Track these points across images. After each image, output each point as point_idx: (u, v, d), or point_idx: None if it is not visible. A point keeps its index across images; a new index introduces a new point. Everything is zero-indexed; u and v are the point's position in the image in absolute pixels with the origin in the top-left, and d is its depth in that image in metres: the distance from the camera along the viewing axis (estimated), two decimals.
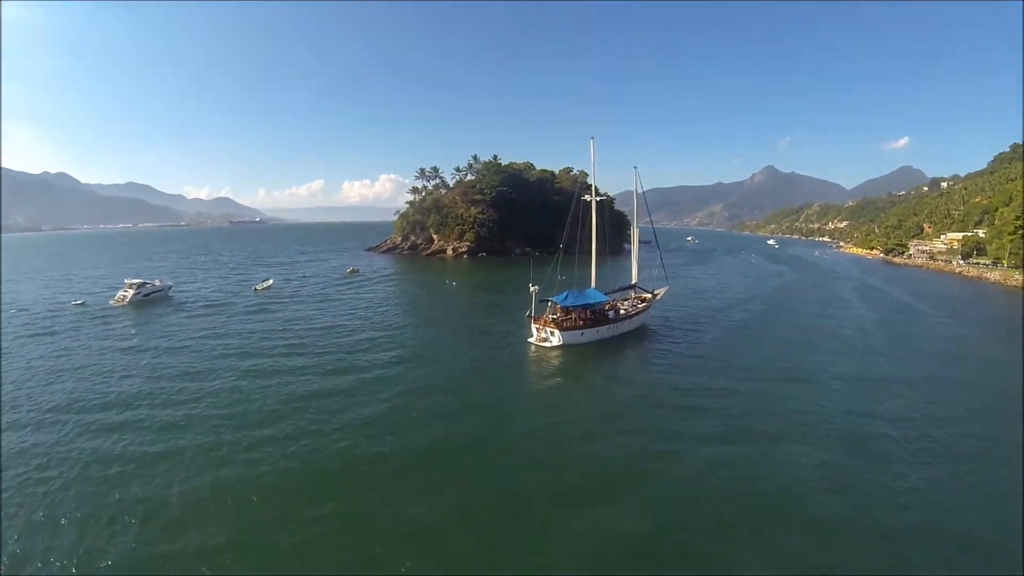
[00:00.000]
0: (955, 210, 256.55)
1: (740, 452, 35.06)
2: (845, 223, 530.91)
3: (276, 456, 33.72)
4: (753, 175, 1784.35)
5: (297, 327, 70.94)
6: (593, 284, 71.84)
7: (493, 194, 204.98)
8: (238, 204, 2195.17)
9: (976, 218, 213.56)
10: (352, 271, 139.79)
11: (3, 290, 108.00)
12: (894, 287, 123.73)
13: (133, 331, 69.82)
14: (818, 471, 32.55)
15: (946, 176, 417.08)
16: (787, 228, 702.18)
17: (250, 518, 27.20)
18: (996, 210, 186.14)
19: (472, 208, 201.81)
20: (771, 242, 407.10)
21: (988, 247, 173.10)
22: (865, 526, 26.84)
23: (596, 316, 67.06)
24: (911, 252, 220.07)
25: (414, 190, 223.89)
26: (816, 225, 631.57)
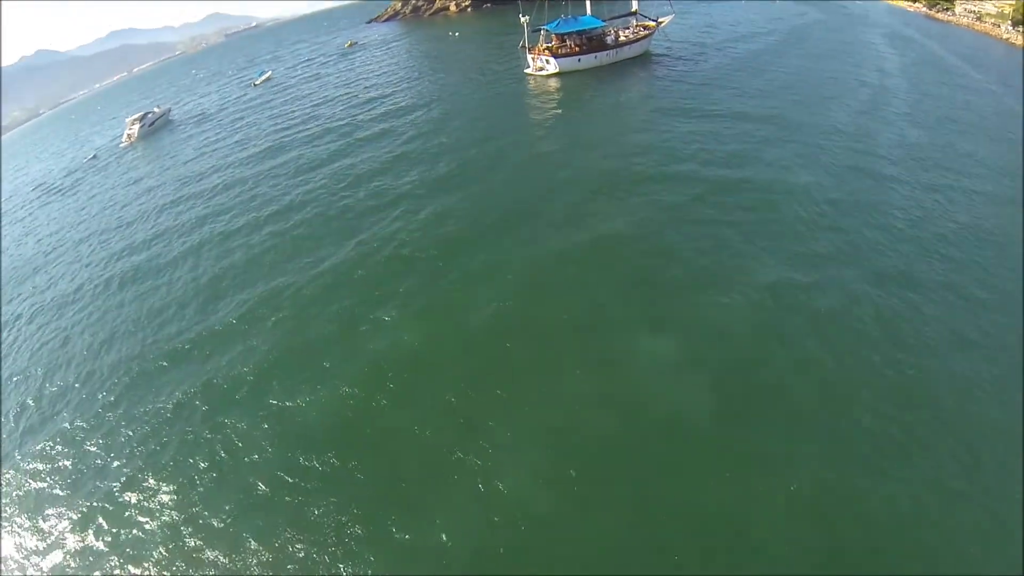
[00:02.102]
0: None
1: (749, 176, 33.38)
2: None
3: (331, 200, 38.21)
4: None
5: (304, 106, 69.67)
6: (589, 12, 68.41)
7: None
8: (230, 16, 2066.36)
9: None
10: (351, 44, 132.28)
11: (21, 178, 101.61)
12: (931, 41, 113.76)
13: (147, 165, 67.82)
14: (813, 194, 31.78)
15: None
16: None
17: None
18: None
19: None
20: None
21: None
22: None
23: (593, 43, 64.56)
24: (958, 10, 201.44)
25: None
26: None
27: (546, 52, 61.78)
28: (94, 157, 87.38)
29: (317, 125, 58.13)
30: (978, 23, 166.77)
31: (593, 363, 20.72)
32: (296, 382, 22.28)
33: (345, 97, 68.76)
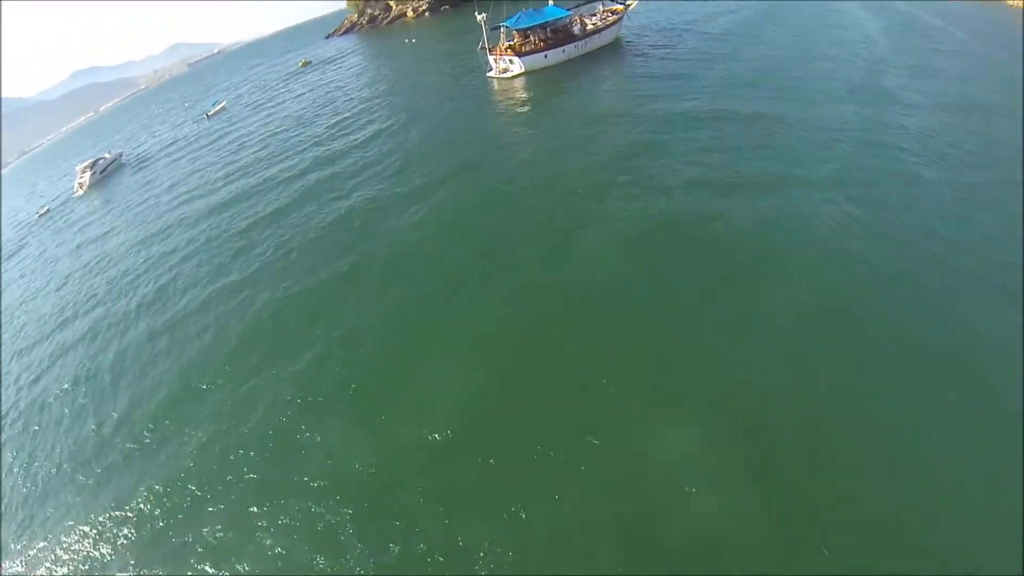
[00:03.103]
0: None
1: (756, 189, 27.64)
2: None
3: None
4: None
5: (255, 139, 62.48)
6: (551, 1, 62.09)
7: None
8: (192, 45, 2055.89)
9: None
10: (304, 63, 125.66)
11: None
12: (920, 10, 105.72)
13: (96, 220, 59.92)
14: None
15: None
16: None
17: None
18: None
19: None
20: None
21: None
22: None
23: (559, 35, 58.17)
24: None
25: None
26: None
27: (508, 51, 55.51)
28: (47, 211, 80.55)
29: (268, 160, 51.28)
30: None
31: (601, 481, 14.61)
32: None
33: (296, 124, 61.64)
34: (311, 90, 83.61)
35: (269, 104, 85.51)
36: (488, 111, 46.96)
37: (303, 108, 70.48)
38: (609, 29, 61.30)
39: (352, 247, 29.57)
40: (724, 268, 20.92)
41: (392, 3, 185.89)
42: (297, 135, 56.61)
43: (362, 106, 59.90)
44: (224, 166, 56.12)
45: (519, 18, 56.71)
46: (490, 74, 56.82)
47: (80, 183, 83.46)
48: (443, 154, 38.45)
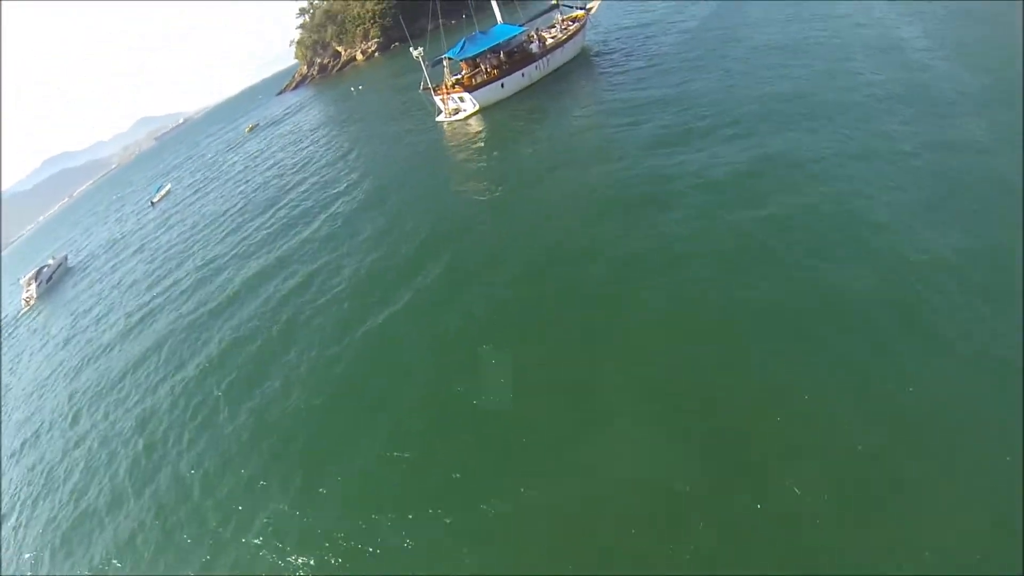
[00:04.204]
0: None
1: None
2: None
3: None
4: None
5: (197, 227, 52.52)
6: (499, 19, 51.89)
7: None
8: (157, 117, 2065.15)
9: None
10: (251, 127, 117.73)
11: None
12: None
13: (51, 331, 51.09)
14: None
15: None
16: None
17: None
18: None
19: (367, 2, 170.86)
20: None
21: None
22: None
23: (515, 58, 47.67)
24: None
25: (300, 11, 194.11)
26: None
27: (456, 88, 44.96)
28: None
29: (209, 253, 41.61)
30: None
31: None
32: None
33: (240, 205, 51.22)
34: (251, 162, 73.77)
35: (212, 182, 76.51)
36: (441, 171, 36.04)
37: (247, 183, 60.39)
38: (572, 40, 50.95)
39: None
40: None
41: (340, 48, 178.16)
42: (238, 225, 46.01)
43: (294, 179, 49.24)
44: (165, 261, 47.16)
45: (463, 45, 46.15)
46: (440, 118, 46.32)
47: (27, 298, 75.34)
48: (384, 250, 27.33)
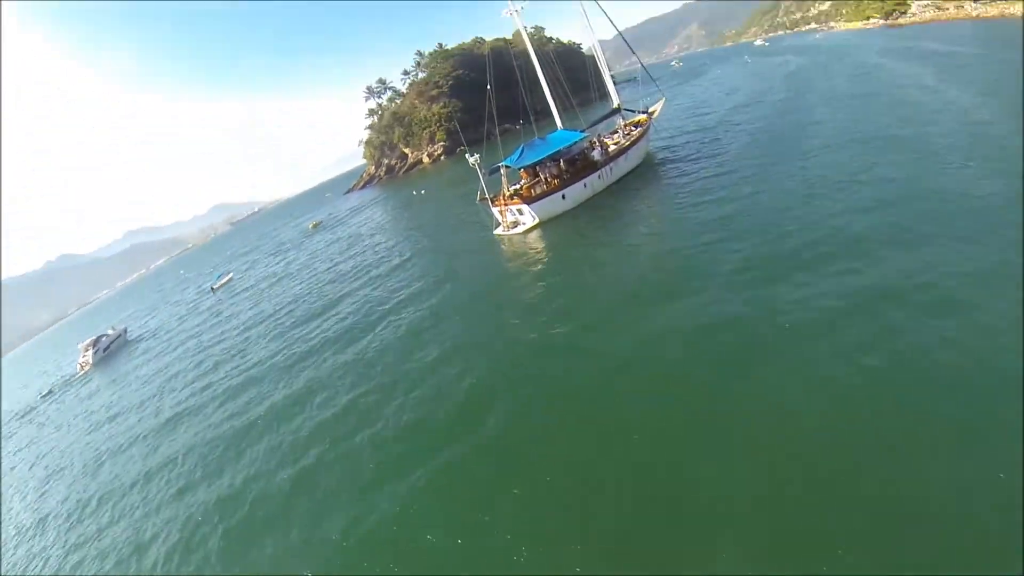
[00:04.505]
0: None
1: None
2: (828, 3, 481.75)
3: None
4: None
5: (252, 319, 52.04)
6: (559, 126, 50.01)
7: (450, 83, 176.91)
8: (233, 205, 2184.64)
9: None
10: (314, 224, 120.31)
11: None
12: (913, 41, 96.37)
13: (91, 408, 52.31)
14: None
15: None
16: (768, 27, 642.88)
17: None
18: None
19: (434, 106, 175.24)
20: (759, 42, 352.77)
21: None
22: None
23: (577, 166, 45.02)
24: (913, 9, 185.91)
25: (370, 112, 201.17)
26: (798, 15, 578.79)
27: (515, 199, 42.23)
28: (49, 392, 75.13)
29: (251, 358, 39.66)
30: (942, 12, 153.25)
31: None
32: None
33: (290, 308, 49.42)
34: (310, 261, 73.06)
35: (270, 278, 76.49)
36: (496, 298, 31.61)
37: (296, 287, 58.86)
38: (636, 147, 48.63)
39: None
40: None
41: (407, 151, 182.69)
42: (280, 324, 45.25)
43: (346, 288, 46.74)
44: (209, 357, 46.05)
45: (522, 153, 44.05)
46: (498, 231, 43.68)
47: (83, 363, 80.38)
48: (429, 390, 23.55)
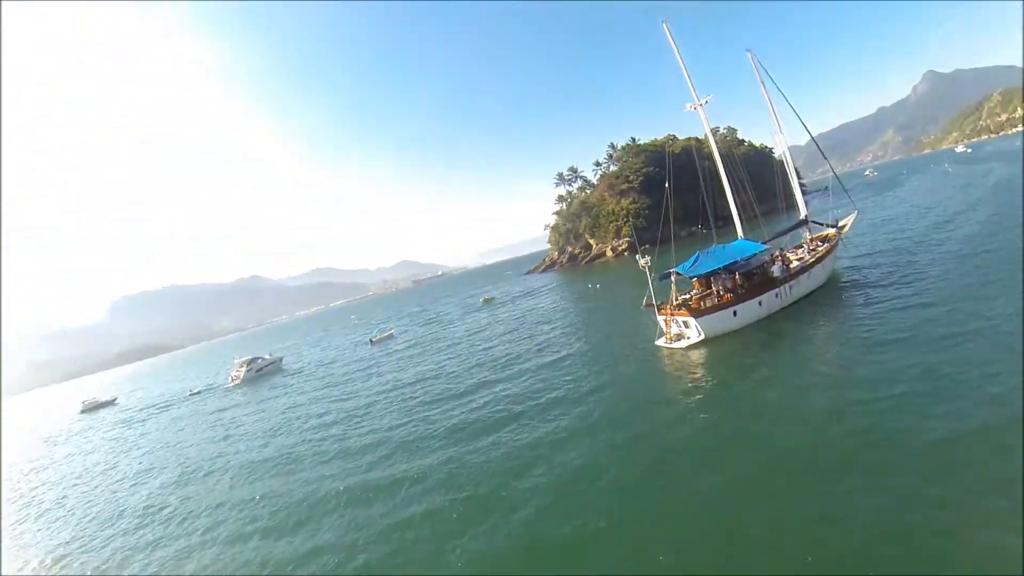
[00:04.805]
0: None
1: None
2: None
3: None
4: (914, 87, 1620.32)
5: (395, 386, 52.27)
6: (740, 234, 47.18)
7: (640, 178, 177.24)
8: (419, 263, 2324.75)
9: None
10: (486, 299, 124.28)
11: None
12: None
13: (230, 413, 62.90)
14: None
15: None
16: (971, 131, 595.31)
17: None
18: None
19: (622, 200, 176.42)
20: (960, 149, 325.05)
21: None
22: None
23: (753, 280, 41.45)
24: None
25: (559, 198, 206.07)
26: (1003, 117, 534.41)
27: (682, 311, 38.97)
28: (197, 393, 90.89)
29: (381, 422, 39.93)
30: None
31: None
32: None
33: (436, 382, 49.04)
34: (470, 337, 73.18)
35: (427, 343, 78.41)
36: (646, 423, 27.26)
37: (448, 360, 59.08)
38: (821, 264, 44.70)
39: None
40: None
41: (592, 242, 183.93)
42: (420, 395, 45.54)
43: (496, 375, 45.14)
44: (343, 409, 47.48)
45: (697, 260, 41.43)
46: (659, 342, 40.64)
47: (234, 376, 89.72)
48: (562, 522, 19.96)
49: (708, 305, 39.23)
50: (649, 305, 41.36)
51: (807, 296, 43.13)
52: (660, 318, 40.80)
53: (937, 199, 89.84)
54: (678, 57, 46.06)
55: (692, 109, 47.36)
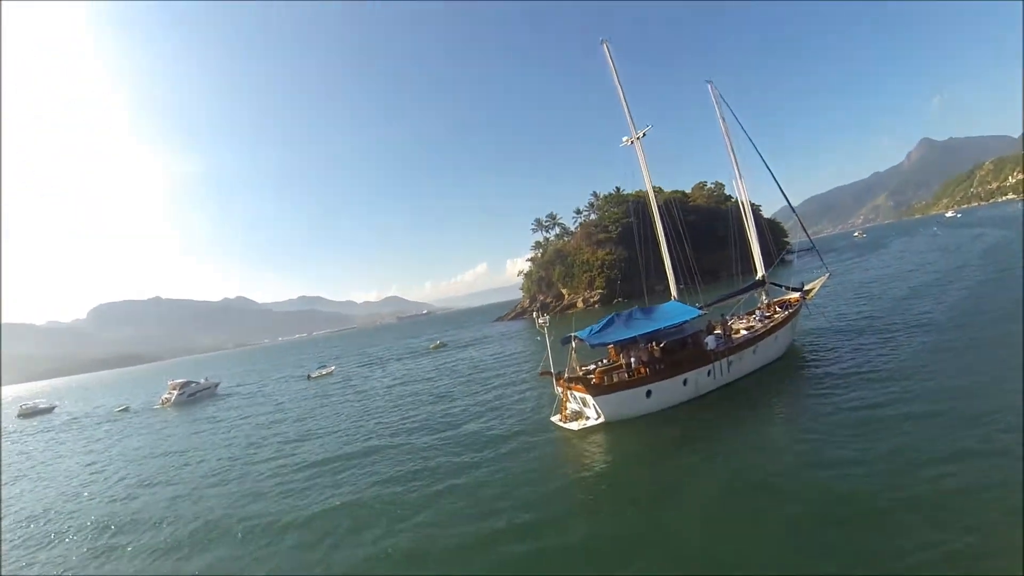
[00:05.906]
0: None
1: None
2: None
3: None
4: (908, 154, 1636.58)
5: (323, 416, 49.00)
6: (674, 295, 37.49)
7: (619, 229, 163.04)
8: (406, 300, 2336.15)
9: None
10: (436, 345, 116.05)
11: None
12: None
13: (148, 434, 58.17)
14: None
15: None
16: (961, 198, 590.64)
17: None
18: None
19: (598, 250, 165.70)
20: (950, 214, 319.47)
21: None
22: None
23: (680, 353, 31.28)
24: None
25: (536, 244, 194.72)
26: (994, 185, 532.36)
27: (578, 386, 29.35)
28: (125, 409, 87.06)
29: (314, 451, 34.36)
30: None
31: None
32: None
33: (335, 430, 41.72)
34: (401, 387, 62.58)
35: (362, 386, 69.96)
36: (509, 536, 17.96)
37: (362, 407, 51.47)
38: (774, 336, 35.04)
39: None
40: None
41: (565, 291, 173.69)
42: (315, 444, 38.08)
43: (381, 440, 33.10)
44: (266, 448, 39.97)
45: (606, 325, 31.57)
46: (555, 419, 30.69)
47: (165, 398, 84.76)
48: None
49: (614, 381, 29.27)
50: (545, 373, 31.71)
51: (757, 371, 33.48)
52: (558, 389, 30.82)
53: (923, 261, 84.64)
54: (615, 79, 37.40)
55: (629, 144, 38.45)
